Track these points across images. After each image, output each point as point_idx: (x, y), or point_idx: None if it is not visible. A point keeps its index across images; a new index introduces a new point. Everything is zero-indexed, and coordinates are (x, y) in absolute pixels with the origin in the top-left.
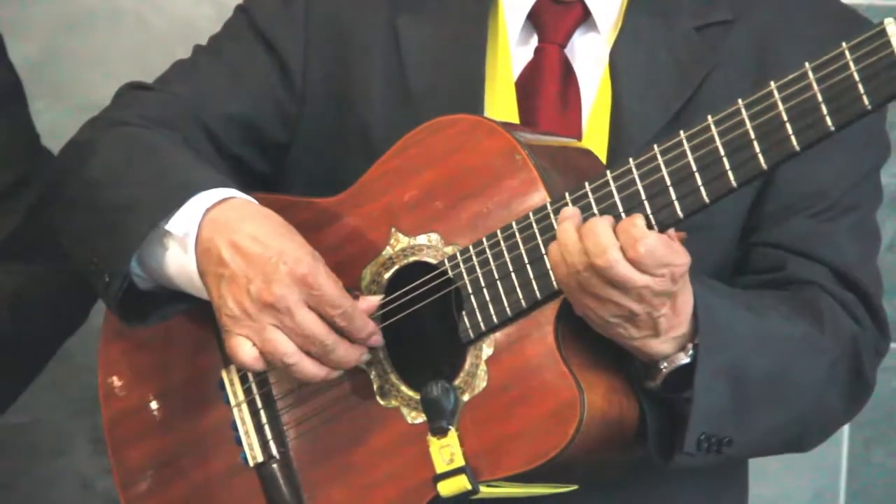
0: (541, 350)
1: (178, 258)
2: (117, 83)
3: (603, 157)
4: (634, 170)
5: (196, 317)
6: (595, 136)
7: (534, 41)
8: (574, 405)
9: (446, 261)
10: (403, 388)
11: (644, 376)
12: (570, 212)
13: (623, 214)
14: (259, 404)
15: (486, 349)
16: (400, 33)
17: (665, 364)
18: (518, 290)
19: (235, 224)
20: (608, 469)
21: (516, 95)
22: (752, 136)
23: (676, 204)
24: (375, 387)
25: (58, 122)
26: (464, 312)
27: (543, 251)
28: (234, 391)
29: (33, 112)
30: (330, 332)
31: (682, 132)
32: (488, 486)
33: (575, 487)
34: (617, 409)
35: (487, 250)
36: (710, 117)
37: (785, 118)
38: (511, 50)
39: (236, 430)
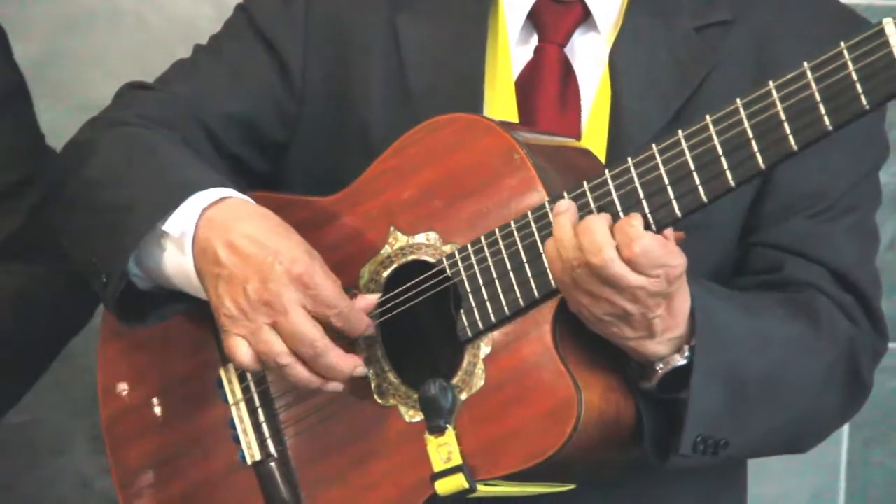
0: (538, 349)
1: (175, 258)
2: (117, 83)
3: (602, 157)
4: (633, 169)
5: (194, 316)
6: (594, 135)
7: (534, 41)
8: (571, 404)
9: (444, 259)
10: (401, 387)
11: (640, 377)
12: (566, 205)
13: (621, 213)
14: (257, 403)
15: (484, 348)
16: (399, 32)
17: (661, 365)
18: (516, 288)
19: (232, 224)
20: (606, 468)
21: (516, 95)
22: (750, 135)
23: (674, 203)
24: (373, 385)
25: (58, 121)
26: (462, 311)
27: (541, 250)
28: (232, 389)
29: None
30: (322, 336)
31: (680, 131)
32: (486, 484)
33: (572, 487)
34: (614, 409)
35: (485, 249)
36: (708, 116)
37: (783, 117)
38: (511, 49)
39: (234, 428)
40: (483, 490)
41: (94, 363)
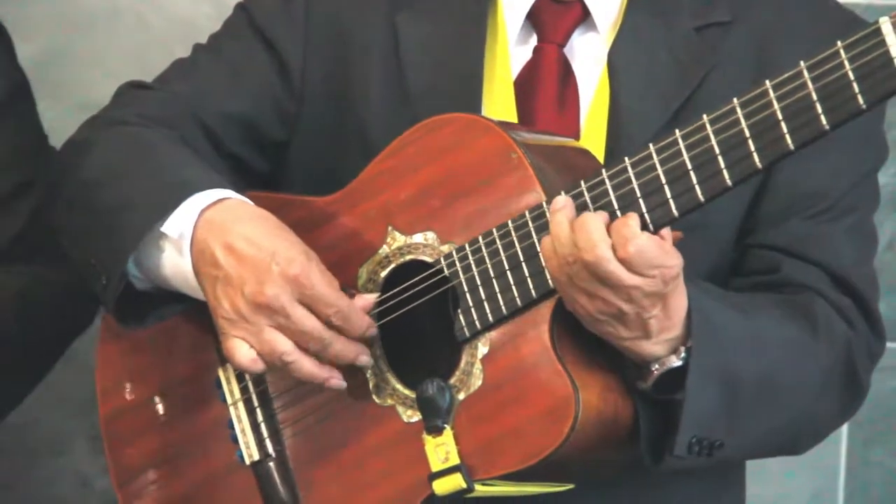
0: (536, 348)
1: (173, 259)
2: (117, 82)
3: (601, 157)
4: (630, 168)
5: (193, 316)
6: (593, 135)
7: (533, 41)
8: (569, 403)
9: (442, 259)
10: (399, 387)
11: (636, 377)
12: (563, 202)
13: (618, 213)
14: (255, 402)
15: (482, 348)
16: (399, 32)
17: (656, 366)
18: (513, 288)
19: (230, 225)
20: (604, 468)
21: (515, 95)
22: (747, 134)
23: (671, 202)
24: (371, 385)
25: (58, 121)
26: (459, 311)
27: (539, 249)
28: (231, 389)
29: None
30: (325, 327)
31: (677, 131)
32: (483, 484)
33: (571, 486)
34: (612, 408)
35: (483, 248)
36: (705, 116)
37: (780, 117)
38: (510, 49)
39: (232, 428)
40: (481, 490)
41: (92, 363)
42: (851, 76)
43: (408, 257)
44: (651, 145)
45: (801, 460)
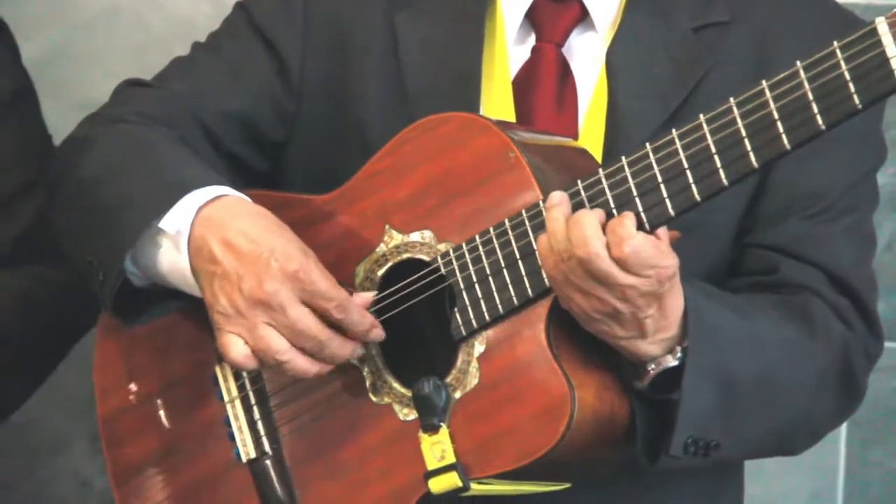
0: (532, 348)
1: (170, 256)
2: (116, 82)
3: (599, 157)
4: (626, 167)
5: (190, 314)
6: (591, 135)
7: (531, 40)
8: (565, 402)
9: (439, 258)
10: (396, 385)
11: (632, 376)
12: (559, 198)
13: (615, 212)
14: (252, 400)
15: (478, 346)
16: (398, 31)
17: (652, 366)
18: (510, 287)
19: (227, 222)
20: (600, 467)
21: (513, 94)
22: (744, 134)
23: (668, 202)
24: (368, 383)
25: (58, 120)
26: (456, 309)
27: (535, 248)
28: (228, 387)
29: None
30: (324, 327)
31: (673, 130)
32: (479, 483)
33: (567, 486)
34: (608, 407)
35: (480, 247)
36: (701, 115)
37: (776, 116)
38: (508, 49)
39: (229, 426)
40: (477, 489)
41: (91, 361)
42: (847, 76)
43: (405, 256)
44: (648, 144)
45: (799, 460)
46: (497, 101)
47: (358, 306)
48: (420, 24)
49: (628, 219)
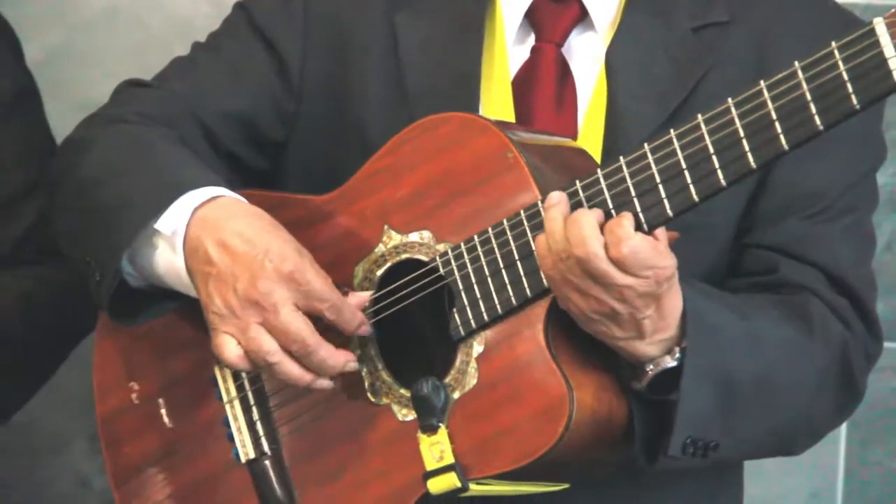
0: (531, 348)
1: (166, 257)
2: (116, 82)
3: (598, 157)
4: (625, 167)
5: (189, 314)
6: (591, 135)
7: (531, 40)
8: (563, 403)
9: (438, 258)
10: (394, 386)
11: (631, 377)
12: (557, 198)
13: (613, 212)
14: (251, 401)
15: (477, 347)
16: (398, 31)
17: (651, 366)
18: (508, 287)
19: (223, 222)
20: (599, 468)
21: (512, 95)
22: (742, 134)
23: (666, 202)
24: (367, 384)
25: (58, 120)
26: (455, 310)
27: (533, 248)
28: (227, 388)
29: None
30: (313, 332)
31: (672, 130)
32: (478, 483)
33: (565, 486)
34: (606, 408)
35: (478, 248)
36: (699, 115)
37: (774, 117)
38: (508, 49)
39: (228, 426)
40: (475, 489)
41: (91, 361)
42: (845, 76)
43: (403, 256)
44: (646, 145)
45: (799, 460)
46: (496, 102)
47: (352, 307)
48: (420, 24)
49: (626, 219)
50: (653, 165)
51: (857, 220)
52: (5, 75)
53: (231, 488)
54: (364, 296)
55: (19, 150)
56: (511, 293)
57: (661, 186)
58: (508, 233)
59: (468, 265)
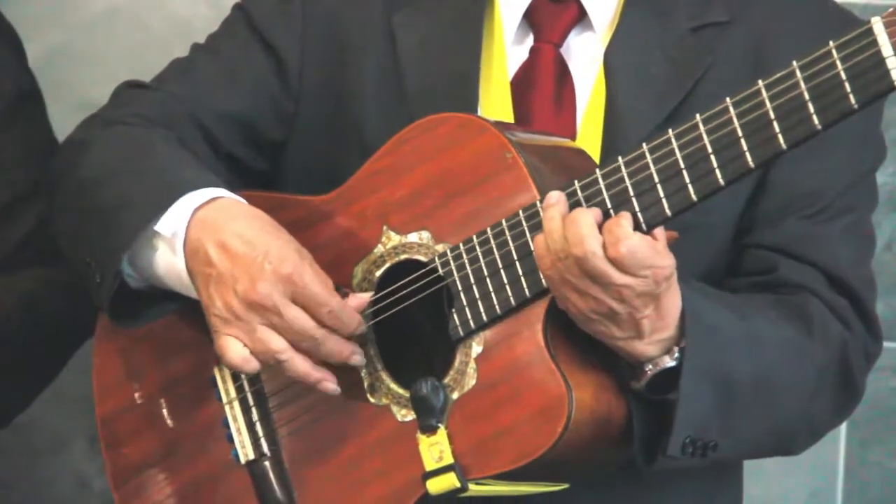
0: (530, 348)
1: (166, 258)
2: (116, 82)
3: (597, 157)
4: (623, 167)
5: (189, 315)
6: (589, 135)
7: (529, 40)
8: (562, 403)
9: (436, 259)
10: (393, 386)
11: (630, 377)
12: (556, 197)
13: (612, 212)
14: (251, 402)
15: (476, 347)
16: (396, 32)
17: (650, 366)
18: (507, 287)
19: (223, 224)
20: (598, 468)
21: (511, 95)
22: (740, 134)
23: (664, 202)
24: (366, 384)
25: (58, 121)
26: (454, 310)
27: (532, 248)
28: (226, 389)
29: None
30: (318, 326)
31: (670, 130)
32: (477, 484)
33: (565, 486)
34: (605, 408)
35: (477, 248)
36: (697, 115)
37: (772, 116)
38: (506, 49)
39: (228, 427)
40: (475, 489)
41: (91, 362)
42: (843, 76)
43: (402, 257)
44: (644, 144)
45: (799, 460)
46: (495, 102)
47: (351, 310)
48: (418, 23)
49: (625, 219)
50: (651, 165)
51: (856, 219)
52: (8, 77)
53: (230, 489)
54: (364, 297)
55: (22, 153)
56: (510, 293)
57: (659, 186)
58: (507, 233)
59: (467, 266)
